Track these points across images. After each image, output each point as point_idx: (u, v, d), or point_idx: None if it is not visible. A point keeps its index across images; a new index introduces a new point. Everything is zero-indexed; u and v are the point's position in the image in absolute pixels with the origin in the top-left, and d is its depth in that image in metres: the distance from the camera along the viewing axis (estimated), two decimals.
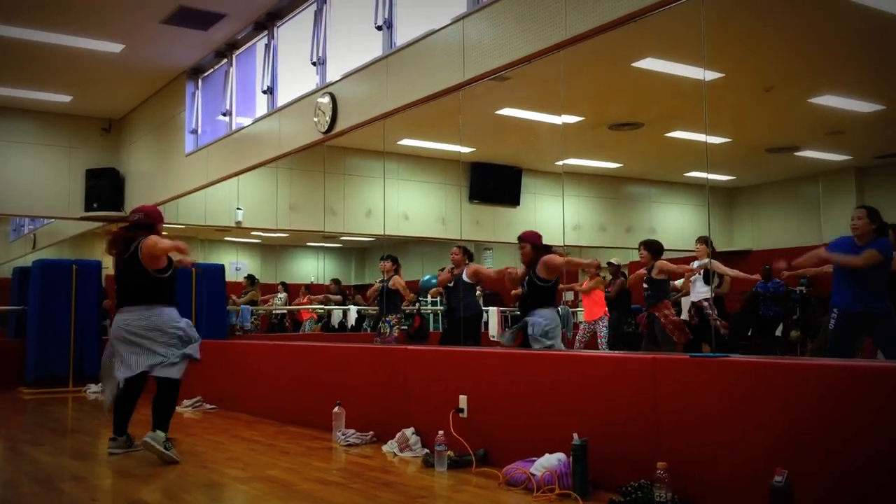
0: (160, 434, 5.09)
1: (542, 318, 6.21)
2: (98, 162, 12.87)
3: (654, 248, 7.50)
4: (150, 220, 5.51)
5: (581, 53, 5.67)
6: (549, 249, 6.35)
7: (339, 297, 13.39)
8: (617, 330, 10.09)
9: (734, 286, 8.66)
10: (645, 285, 7.46)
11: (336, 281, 14.20)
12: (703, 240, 7.89)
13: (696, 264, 7.93)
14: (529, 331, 6.18)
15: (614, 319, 10.10)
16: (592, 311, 9.41)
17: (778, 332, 10.60)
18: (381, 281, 9.00)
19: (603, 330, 9.20)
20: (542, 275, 6.23)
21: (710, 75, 5.38)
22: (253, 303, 12.76)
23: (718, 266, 7.92)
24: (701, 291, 7.85)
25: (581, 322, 9.63)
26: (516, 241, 6.60)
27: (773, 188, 12.41)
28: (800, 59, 6.97)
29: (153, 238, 5.32)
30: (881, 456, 3.11)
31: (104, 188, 12.66)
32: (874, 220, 5.42)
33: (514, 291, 6.92)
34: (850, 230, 5.50)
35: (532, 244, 6.35)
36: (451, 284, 8.20)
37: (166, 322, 5.26)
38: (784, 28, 6.24)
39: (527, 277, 6.31)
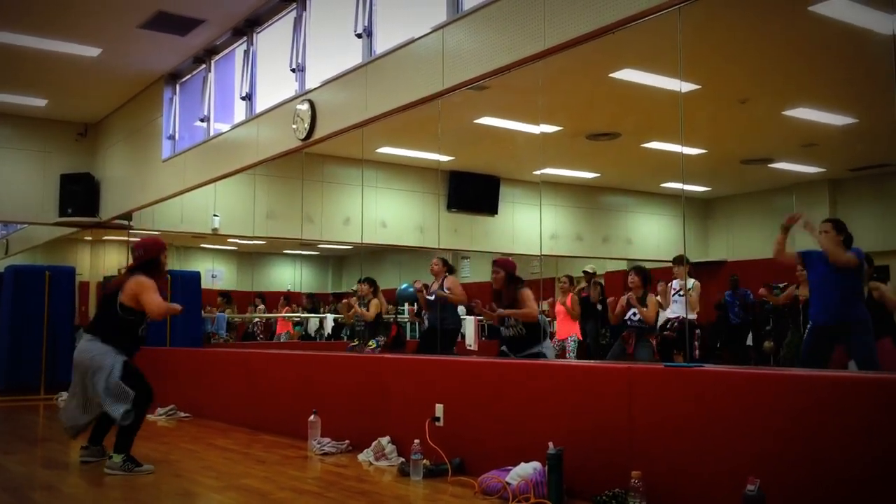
0: (115, 460, 5.03)
1: (549, 353, 6.23)
2: (73, 167, 12.74)
3: (646, 276, 7.44)
4: (150, 256, 5.41)
5: (559, 64, 5.71)
6: (520, 281, 6.29)
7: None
8: (594, 340, 10.12)
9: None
10: (641, 319, 7.38)
11: (309, 295, 14.15)
12: (680, 260, 7.91)
13: (674, 283, 7.98)
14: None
15: (591, 330, 10.12)
16: (563, 329, 9.42)
17: (749, 342, 10.70)
18: (358, 299, 8.96)
19: (571, 345, 9.23)
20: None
21: (686, 87, 5.44)
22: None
23: (697, 288, 8.02)
24: (678, 310, 7.90)
25: (553, 334, 9.65)
26: (497, 250, 6.55)
27: (747, 199, 12.53)
28: (774, 71, 7.05)
29: (149, 282, 5.25)
30: (853, 466, 3.15)
31: (79, 193, 12.53)
32: (841, 232, 5.51)
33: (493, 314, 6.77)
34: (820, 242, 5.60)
35: (507, 272, 6.28)
36: (430, 297, 8.16)
37: (96, 359, 5.13)
38: (759, 41, 6.32)
39: (516, 321, 6.13)
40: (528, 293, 6.19)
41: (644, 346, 7.27)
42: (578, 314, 9.50)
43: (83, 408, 5.25)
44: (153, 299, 5.21)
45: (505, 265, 6.28)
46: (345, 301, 9.25)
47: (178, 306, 5.45)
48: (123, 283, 5.29)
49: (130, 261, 5.66)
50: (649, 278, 7.49)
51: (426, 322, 8.40)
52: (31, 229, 14.47)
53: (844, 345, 5.58)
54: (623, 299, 7.42)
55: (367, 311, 8.75)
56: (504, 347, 6.27)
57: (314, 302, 13.83)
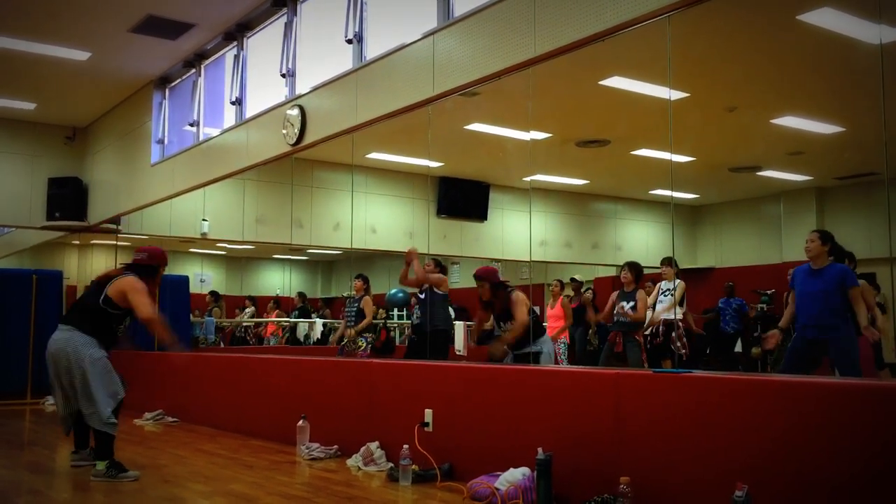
0: (100, 467, 4.98)
1: (547, 348, 6.24)
2: (61, 171, 12.68)
3: (638, 271, 7.56)
4: (153, 262, 5.40)
5: (549, 71, 5.73)
6: (505, 286, 6.30)
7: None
8: (581, 346, 10.14)
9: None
10: (628, 311, 7.45)
11: (301, 294, 14.12)
12: (669, 261, 8.00)
13: (662, 285, 8.02)
14: (547, 363, 6.11)
15: (579, 336, 10.14)
16: (554, 330, 9.45)
17: (738, 349, 10.75)
18: (353, 299, 8.99)
19: (562, 346, 9.26)
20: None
21: (674, 95, 5.47)
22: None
23: (681, 288, 8.05)
24: (666, 312, 7.93)
25: None
26: (486, 256, 6.55)
27: (735, 207, 12.59)
28: (762, 80, 7.10)
29: (142, 285, 5.19)
30: (841, 472, 3.17)
31: (67, 197, 12.46)
32: (826, 243, 5.56)
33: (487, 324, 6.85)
34: (804, 253, 5.65)
35: (490, 283, 6.27)
36: (422, 296, 8.21)
37: (77, 352, 5.03)
38: (747, 50, 6.36)
39: (512, 325, 6.13)
40: (516, 297, 6.20)
41: (632, 345, 7.36)
42: (571, 319, 9.54)
43: (64, 401, 5.16)
44: (145, 301, 5.15)
45: (486, 276, 6.28)
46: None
47: (167, 334, 5.26)
48: (115, 277, 5.23)
49: (129, 260, 5.57)
50: (641, 274, 7.58)
51: (416, 317, 8.43)
52: (18, 233, 14.39)
53: (829, 355, 5.61)
54: (613, 295, 7.54)
55: (361, 305, 8.79)
56: (505, 347, 6.28)
57: (304, 300, 13.79)
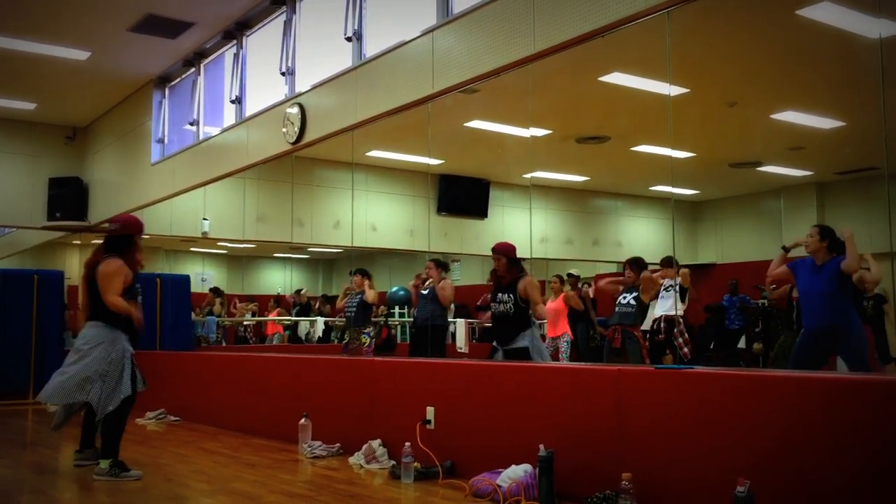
0: (103, 466, 4.97)
1: (539, 343, 6.18)
2: (61, 170, 12.68)
3: (642, 267, 7.52)
4: (126, 231, 5.29)
5: (549, 67, 5.73)
6: (521, 265, 6.25)
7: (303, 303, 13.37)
8: (584, 343, 10.13)
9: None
10: (630, 301, 7.43)
11: (298, 293, 14.13)
12: (668, 262, 7.96)
13: (666, 282, 8.00)
14: (537, 358, 6.05)
15: (581, 332, 10.13)
16: (555, 327, 9.45)
17: (741, 345, 10.77)
18: (353, 294, 8.98)
19: (563, 345, 9.24)
20: (522, 297, 6.02)
21: (674, 90, 5.47)
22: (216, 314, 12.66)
23: (685, 276, 8.04)
24: (667, 307, 7.91)
25: (544, 336, 9.66)
26: (486, 253, 6.46)
27: (736, 202, 12.60)
28: (762, 75, 7.10)
29: (113, 266, 5.12)
30: (843, 467, 3.17)
31: (68, 197, 12.47)
32: (825, 238, 5.55)
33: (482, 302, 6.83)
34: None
35: (507, 257, 6.17)
36: (424, 292, 8.23)
37: (109, 345, 5.07)
38: (747, 45, 6.36)
39: (509, 297, 6.05)
40: (532, 282, 6.08)
41: (631, 341, 7.34)
42: (580, 305, 9.52)
43: (79, 386, 5.04)
44: (112, 291, 5.04)
45: (504, 251, 6.18)
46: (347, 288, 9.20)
47: (138, 314, 5.21)
48: (97, 273, 5.15)
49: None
50: (645, 269, 7.54)
51: (415, 316, 8.45)
52: (19, 233, 14.41)
53: (837, 351, 5.59)
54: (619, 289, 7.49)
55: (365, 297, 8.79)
56: (495, 343, 6.24)
57: (304, 297, 13.80)
